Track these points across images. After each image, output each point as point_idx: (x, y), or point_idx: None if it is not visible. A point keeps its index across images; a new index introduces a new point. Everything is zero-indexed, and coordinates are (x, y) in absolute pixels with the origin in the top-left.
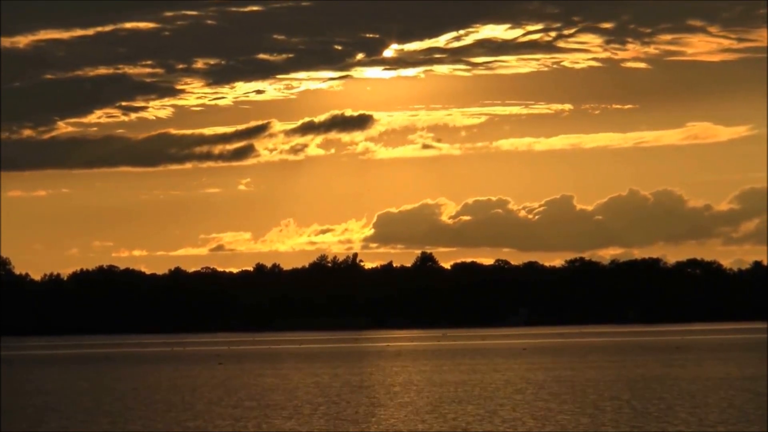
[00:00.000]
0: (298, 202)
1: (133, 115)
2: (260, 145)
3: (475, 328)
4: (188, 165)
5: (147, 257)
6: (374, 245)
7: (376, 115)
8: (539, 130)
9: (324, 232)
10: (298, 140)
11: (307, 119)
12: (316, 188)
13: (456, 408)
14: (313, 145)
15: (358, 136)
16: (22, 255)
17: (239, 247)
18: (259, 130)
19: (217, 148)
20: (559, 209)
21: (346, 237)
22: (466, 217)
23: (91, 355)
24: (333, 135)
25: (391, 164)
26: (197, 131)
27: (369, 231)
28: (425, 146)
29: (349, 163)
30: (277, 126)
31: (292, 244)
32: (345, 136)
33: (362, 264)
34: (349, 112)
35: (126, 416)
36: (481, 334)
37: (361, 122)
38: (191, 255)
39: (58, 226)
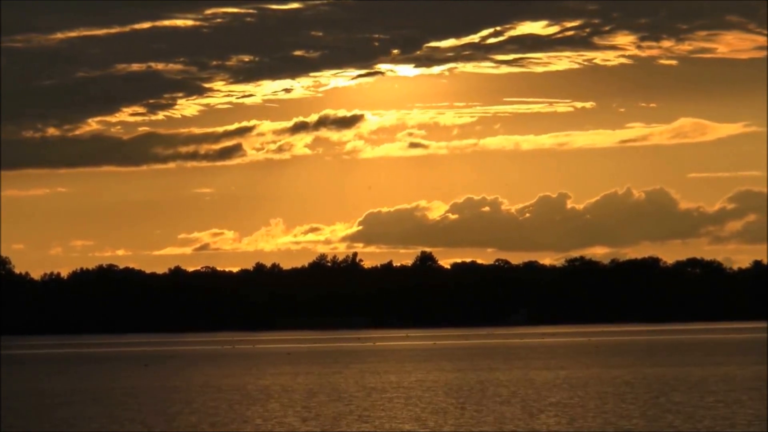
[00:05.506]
0: (282, 201)
1: (161, 113)
2: (248, 144)
3: (475, 327)
4: (172, 164)
5: (132, 256)
6: (360, 245)
7: (367, 114)
8: (531, 129)
9: (308, 231)
10: (287, 140)
11: (300, 119)
12: (302, 188)
13: (462, 408)
14: (301, 145)
15: (346, 135)
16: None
17: (224, 246)
18: (247, 130)
19: (204, 148)
20: (549, 208)
21: (333, 237)
22: (454, 216)
23: (91, 354)
24: (322, 134)
25: (378, 163)
26: (186, 130)
27: (355, 230)
28: (412, 145)
29: (334, 162)
30: (266, 125)
31: (277, 243)
32: (334, 135)
33: (362, 263)
34: (342, 112)
35: (126, 416)
36: (493, 333)
37: (351, 122)
38: (177, 254)
39: (45, 226)
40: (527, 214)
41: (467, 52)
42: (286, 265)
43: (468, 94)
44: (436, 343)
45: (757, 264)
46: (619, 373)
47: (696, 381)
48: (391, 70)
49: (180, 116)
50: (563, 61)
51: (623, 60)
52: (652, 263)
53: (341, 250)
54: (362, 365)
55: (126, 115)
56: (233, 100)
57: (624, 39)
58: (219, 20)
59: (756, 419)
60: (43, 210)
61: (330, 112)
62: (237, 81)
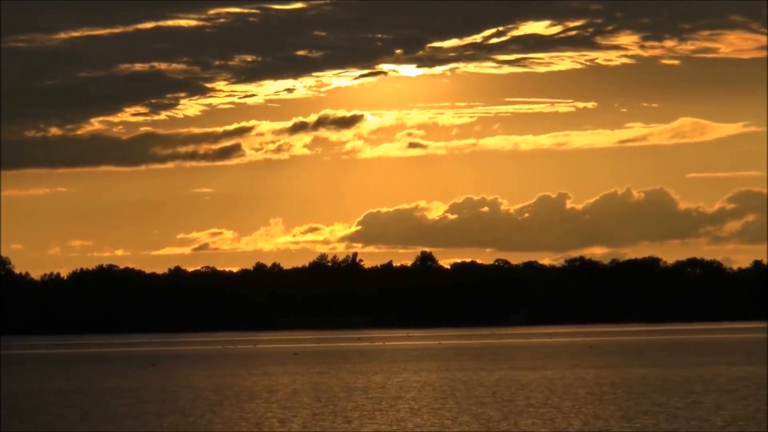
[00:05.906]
0: (281, 201)
1: (163, 113)
2: (247, 144)
3: (475, 327)
4: (171, 164)
5: (132, 256)
6: (359, 245)
7: (366, 114)
8: (530, 129)
9: (308, 231)
10: (286, 140)
11: (299, 119)
12: (301, 187)
13: (466, 409)
14: (300, 145)
15: (345, 135)
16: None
17: (223, 246)
18: (247, 130)
19: (203, 148)
20: (548, 208)
21: (332, 237)
22: (453, 216)
23: (90, 355)
24: (321, 134)
25: (377, 163)
26: (186, 130)
27: (354, 230)
28: (411, 145)
29: (333, 162)
30: (265, 125)
31: (276, 243)
32: (333, 135)
33: (362, 263)
34: (341, 112)
35: (126, 416)
36: (492, 333)
37: (351, 122)
38: (177, 254)
39: (44, 226)
40: (526, 214)
41: (470, 52)
42: (286, 265)
43: (470, 94)
44: (441, 343)
45: (757, 264)
46: (607, 374)
47: (695, 381)
48: (394, 70)
49: (182, 116)
50: (565, 61)
51: (626, 60)
52: (651, 263)
53: (341, 250)
54: (357, 366)
55: (128, 115)
56: (235, 100)
57: (627, 39)
58: (222, 20)
59: (756, 419)
60: (42, 210)
61: (329, 112)
62: (239, 81)
